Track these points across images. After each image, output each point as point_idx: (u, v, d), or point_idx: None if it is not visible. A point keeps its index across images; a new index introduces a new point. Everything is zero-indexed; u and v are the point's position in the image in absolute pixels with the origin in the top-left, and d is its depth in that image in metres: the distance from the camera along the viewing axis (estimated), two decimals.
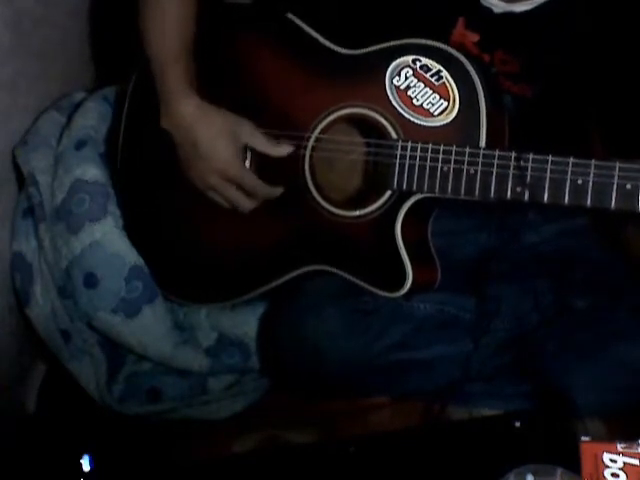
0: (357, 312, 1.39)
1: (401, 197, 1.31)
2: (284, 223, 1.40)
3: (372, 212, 1.33)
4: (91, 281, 1.44)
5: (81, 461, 1.19)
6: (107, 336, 1.48)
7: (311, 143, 1.36)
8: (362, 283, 1.36)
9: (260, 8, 1.42)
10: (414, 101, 1.29)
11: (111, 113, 1.57)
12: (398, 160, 1.29)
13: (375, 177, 1.34)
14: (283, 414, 1.48)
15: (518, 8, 1.31)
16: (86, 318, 1.47)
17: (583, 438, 1.08)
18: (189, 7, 1.37)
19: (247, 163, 1.40)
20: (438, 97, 1.28)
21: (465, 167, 1.25)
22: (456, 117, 1.27)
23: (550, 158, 1.21)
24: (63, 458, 1.26)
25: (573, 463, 1.06)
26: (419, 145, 1.28)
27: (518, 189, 1.23)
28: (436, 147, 1.27)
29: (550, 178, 1.21)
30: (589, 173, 1.19)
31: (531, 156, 1.22)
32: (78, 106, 1.58)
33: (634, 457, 1.06)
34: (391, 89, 1.30)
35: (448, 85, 1.27)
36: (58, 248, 1.46)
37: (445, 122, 1.28)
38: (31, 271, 1.49)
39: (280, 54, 1.39)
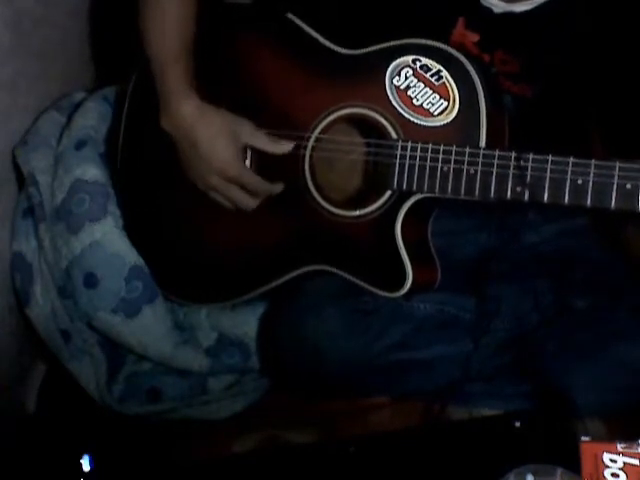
0: (357, 312, 1.39)
1: (401, 197, 1.31)
2: (284, 223, 1.40)
3: (372, 212, 1.33)
4: (91, 281, 1.44)
5: (81, 461, 1.19)
6: (107, 336, 1.48)
7: (311, 143, 1.36)
8: (362, 283, 1.36)
9: (260, 8, 1.42)
10: (414, 101, 1.29)
11: (111, 113, 1.57)
12: (398, 160, 1.29)
13: (375, 177, 1.34)
14: (283, 414, 1.48)
15: (518, 8, 1.31)
16: (86, 318, 1.47)
17: (583, 438, 1.08)
18: (189, 7, 1.37)
19: (247, 163, 1.40)
20: (438, 97, 1.28)
21: (465, 167, 1.25)
22: (456, 117, 1.27)
23: (550, 158, 1.21)
24: (63, 458, 1.26)
25: (573, 463, 1.06)
26: (419, 145, 1.28)
27: (518, 189, 1.23)
28: (436, 147, 1.27)
29: (550, 178, 1.21)
30: (589, 173, 1.19)
31: (531, 156, 1.22)
32: (78, 106, 1.58)
33: (634, 457, 1.06)
34: (391, 89, 1.30)
35: (448, 85, 1.27)
36: (58, 248, 1.46)
37: (445, 122, 1.28)
38: (31, 271, 1.49)
39: (280, 54, 1.39)
